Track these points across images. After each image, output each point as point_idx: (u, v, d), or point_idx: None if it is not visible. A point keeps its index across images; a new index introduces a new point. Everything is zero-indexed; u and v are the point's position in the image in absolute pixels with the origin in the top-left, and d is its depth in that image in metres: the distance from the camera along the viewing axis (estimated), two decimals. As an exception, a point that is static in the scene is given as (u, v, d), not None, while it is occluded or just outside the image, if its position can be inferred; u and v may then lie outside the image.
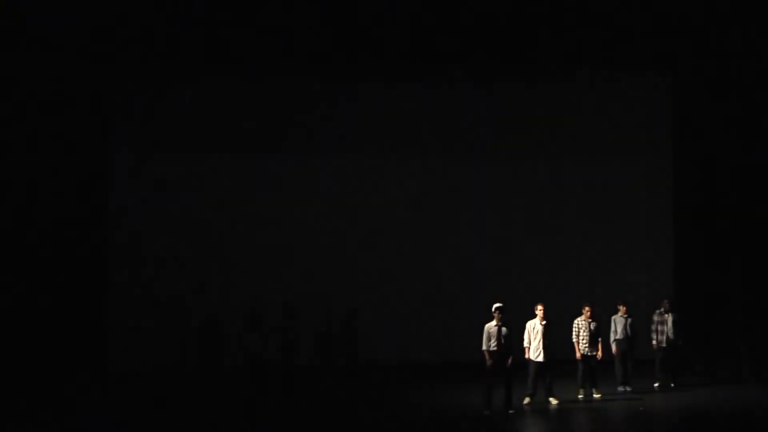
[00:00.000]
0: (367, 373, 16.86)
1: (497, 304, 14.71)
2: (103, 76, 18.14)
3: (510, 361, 14.64)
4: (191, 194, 19.11)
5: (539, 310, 15.28)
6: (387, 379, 17.73)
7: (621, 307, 16.45)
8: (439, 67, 19.26)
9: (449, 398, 16.21)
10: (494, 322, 14.64)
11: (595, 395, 15.93)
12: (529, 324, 15.28)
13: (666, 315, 16.87)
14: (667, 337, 16.82)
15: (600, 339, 15.90)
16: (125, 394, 16.87)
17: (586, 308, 15.90)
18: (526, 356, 15.28)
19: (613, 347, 16.42)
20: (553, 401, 15.39)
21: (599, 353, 15.81)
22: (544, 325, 15.19)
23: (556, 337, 15.46)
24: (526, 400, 15.35)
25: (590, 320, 15.82)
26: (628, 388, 16.37)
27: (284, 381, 16.86)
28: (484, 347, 14.62)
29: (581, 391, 15.97)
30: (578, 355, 15.78)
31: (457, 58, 18.80)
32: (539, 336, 15.18)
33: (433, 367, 18.74)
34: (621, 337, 16.35)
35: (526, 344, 15.25)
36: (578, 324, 15.85)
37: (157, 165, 19.00)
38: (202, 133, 19.10)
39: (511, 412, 14.70)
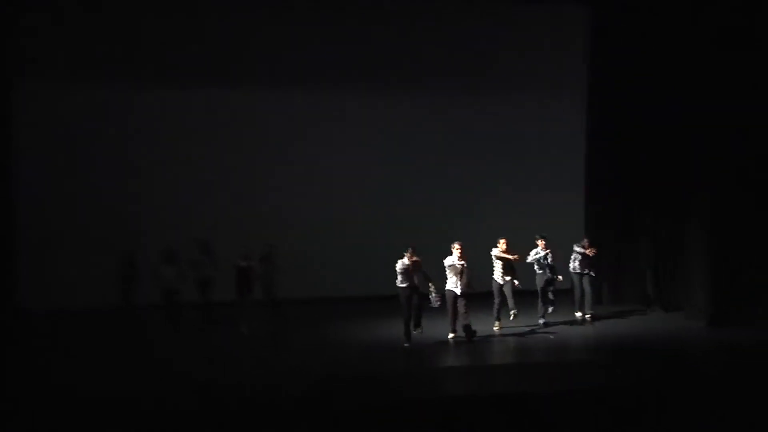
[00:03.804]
0: (286, 308, 16.75)
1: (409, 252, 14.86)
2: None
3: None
4: (106, 126, 18.52)
5: (456, 248, 15.31)
6: (306, 314, 17.71)
7: (540, 242, 16.57)
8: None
9: (368, 331, 16.34)
10: (406, 260, 14.85)
11: (496, 328, 16.19)
12: (447, 260, 15.29)
13: (586, 249, 17.04)
14: (580, 267, 17.08)
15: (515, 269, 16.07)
16: (37, 334, 16.49)
17: (502, 241, 16.04)
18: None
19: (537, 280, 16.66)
20: (451, 336, 15.48)
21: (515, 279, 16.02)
22: (462, 264, 15.20)
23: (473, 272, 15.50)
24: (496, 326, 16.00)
25: (505, 252, 15.96)
26: (542, 320, 16.68)
27: (202, 317, 16.76)
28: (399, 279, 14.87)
29: (497, 323, 16.25)
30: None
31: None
32: (457, 272, 15.20)
33: (352, 301, 18.79)
34: (540, 271, 16.56)
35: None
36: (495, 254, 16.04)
37: (67, 94, 18.34)
38: (120, 58, 18.42)
39: (415, 332, 15.05)
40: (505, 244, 16.02)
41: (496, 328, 16.23)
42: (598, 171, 18.87)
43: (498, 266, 16.06)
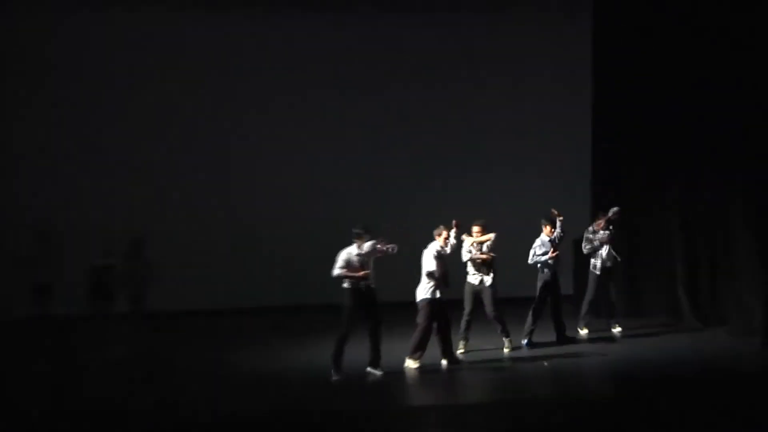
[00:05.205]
0: (159, 321, 14.08)
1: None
2: None
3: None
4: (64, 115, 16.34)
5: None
6: (187, 330, 15.09)
7: (546, 228, 13.74)
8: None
9: (275, 355, 13.23)
10: (355, 249, 11.67)
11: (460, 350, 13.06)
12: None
13: (603, 232, 14.10)
14: (603, 260, 14.08)
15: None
16: None
17: (476, 227, 13.13)
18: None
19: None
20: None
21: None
22: (443, 251, 12.30)
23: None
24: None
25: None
26: (526, 341, 13.66)
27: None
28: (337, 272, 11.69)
29: (462, 344, 13.03)
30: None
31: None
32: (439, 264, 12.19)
33: (249, 314, 16.18)
34: (544, 272, 13.54)
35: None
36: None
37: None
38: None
39: (379, 372, 11.61)
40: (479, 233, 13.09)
41: (461, 350, 12.97)
42: (607, 148, 16.47)
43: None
